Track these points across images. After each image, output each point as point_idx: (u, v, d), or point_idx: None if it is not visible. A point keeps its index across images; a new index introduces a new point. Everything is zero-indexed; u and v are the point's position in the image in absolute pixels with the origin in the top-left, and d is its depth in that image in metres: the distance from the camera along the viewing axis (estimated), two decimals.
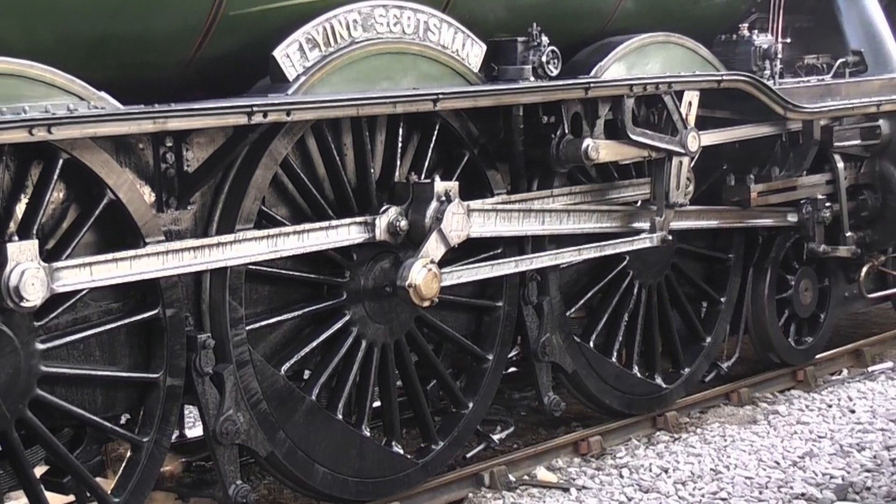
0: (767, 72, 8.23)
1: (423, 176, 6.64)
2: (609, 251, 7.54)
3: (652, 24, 7.78)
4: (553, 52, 6.93)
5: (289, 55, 6.03)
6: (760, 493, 6.92)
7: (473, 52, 6.77)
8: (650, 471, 7.33)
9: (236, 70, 6.11)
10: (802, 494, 6.85)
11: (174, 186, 5.85)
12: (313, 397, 6.43)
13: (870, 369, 9.52)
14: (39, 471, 5.86)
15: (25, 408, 5.35)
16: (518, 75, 6.88)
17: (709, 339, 8.61)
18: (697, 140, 7.56)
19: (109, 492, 5.74)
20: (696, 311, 8.66)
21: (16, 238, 5.20)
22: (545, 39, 6.92)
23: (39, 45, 5.31)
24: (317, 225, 6.23)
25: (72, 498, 6.03)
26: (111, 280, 5.49)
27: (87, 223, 5.52)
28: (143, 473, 5.80)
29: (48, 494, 5.65)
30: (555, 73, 6.95)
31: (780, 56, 8.36)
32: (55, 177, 5.35)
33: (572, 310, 7.77)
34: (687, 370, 8.45)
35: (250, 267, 6.08)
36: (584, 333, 7.90)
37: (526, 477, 7.32)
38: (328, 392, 6.62)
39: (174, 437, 6.39)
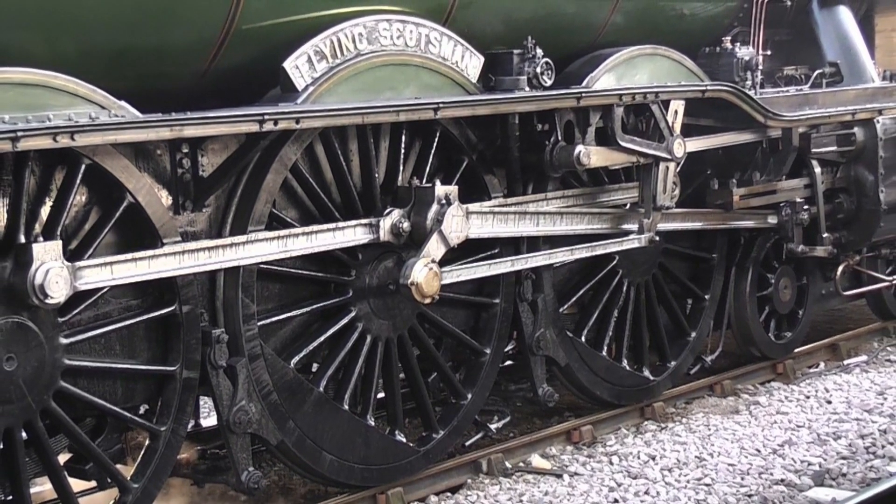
0: (749, 82, 8.23)
1: (424, 180, 6.64)
2: (600, 251, 7.54)
3: (640, 37, 7.77)
4: (547, 63, 6.93)
5: (298, 66, 6.03)
6: (742, 479, 6.92)
7: (472, 64, 6.77)
8: (638, 458, 7.33)
9: (248, 80, 6.11)
10: (782, 480, 6.85)
11: (190, 190, 5.84)
12: (321, 389, 6.43)
13: (845, 362, 9.51)
14: (63, 458, 5.86)
15: (50, 399, 5.36)
16: (514, 85, 6.88)
17: (694, 334, 8.61)
18: (683, 146, 7.56)
19: (129, 478, 5.74)
20: (682, 307, 8.66)
21: (41, 239, 5.20)
22: (539, 52, 6.92)
23: (63, 57, 5.31)
24: (324, 226, 6.22)
25: (93, 484, 6.02)
26: (131, 278, 5.49)
27: (108, 225, 5.52)
28: (160, 461, 5.81)
29: (71, 480, 5.66)
30: (549, 83, 6.94)
31: (760, 67, 8.36)
32: (78, 181, 5.36)
33: (565, 306, 7.77)
34: (673, 363, 8.45)
35: (262, 266, 6.08)
36: (576, 328, 7.90)
37: (521, 464, 7.32)
38: (335, 384, 6.61)
39: (190, 426, 6.38)
